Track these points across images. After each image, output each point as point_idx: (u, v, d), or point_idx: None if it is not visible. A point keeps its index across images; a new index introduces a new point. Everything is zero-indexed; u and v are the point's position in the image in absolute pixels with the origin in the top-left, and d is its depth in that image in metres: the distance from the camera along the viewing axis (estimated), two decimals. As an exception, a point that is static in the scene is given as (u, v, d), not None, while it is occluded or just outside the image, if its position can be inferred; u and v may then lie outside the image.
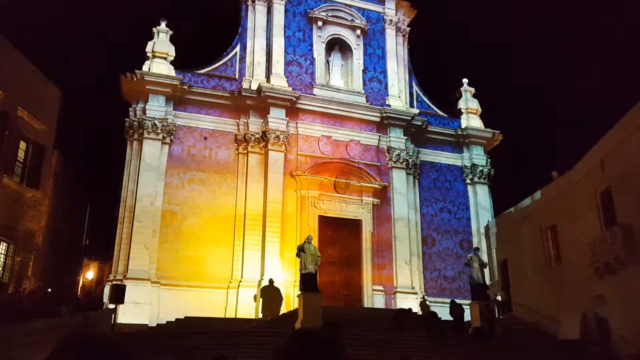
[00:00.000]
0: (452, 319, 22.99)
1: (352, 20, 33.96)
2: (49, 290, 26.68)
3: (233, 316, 25.76)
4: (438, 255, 31.60)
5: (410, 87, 35.57)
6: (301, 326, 18.51)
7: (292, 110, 30.53)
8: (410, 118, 32.54)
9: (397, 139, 32.19)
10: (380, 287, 29.28)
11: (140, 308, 24.09)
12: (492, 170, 34.66)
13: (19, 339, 15.49)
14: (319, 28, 33.14)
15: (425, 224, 32.29)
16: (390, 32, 34.85)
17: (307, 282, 20.24)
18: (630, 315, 19.89)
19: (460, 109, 36.00)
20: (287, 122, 30.17)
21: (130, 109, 29.35)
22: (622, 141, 21.22)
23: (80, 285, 41.84)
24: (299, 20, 33.13)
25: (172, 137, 28.99)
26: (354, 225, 30.30)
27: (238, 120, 30.40)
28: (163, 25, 30.97)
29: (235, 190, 29.19)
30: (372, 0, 35.04)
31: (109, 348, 1.96)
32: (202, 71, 31.26)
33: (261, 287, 25.43)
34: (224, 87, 30.69)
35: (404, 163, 31.97)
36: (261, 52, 31.90)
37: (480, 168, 34.26)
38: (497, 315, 23.35)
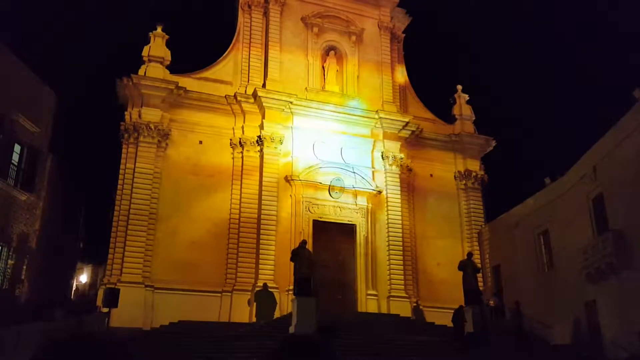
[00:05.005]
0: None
1: (348, 26, 34.17)
2: (43, 299, 26.61)
3: (227, 320, 25.75)
4: (432, 261, 31.69)
5: (405, 92, 35.78)
6: (295, 330, 18.50)
7: (287, 115, 30.64)
8: (404, 123, 32.68)
9: (391, 144, 32.31)
10: (374, 292, 29.32)
11: (134, 312, 24.01)
12: (486, 175, 34.83)
13: (12, 343, 15.46)
14: (315, 34, 33.33)
15: (419, 229, 32.40)
16: (385, 39, 35.07)
17: (302, 287, 20.26)
18: (622, 320, 20.05)
19: (454, 115, 36.17)
20: (282, 127, 30.26)
21: (125, 112, 29.32)
22: (614, 147, 21.43)
23: (74, 288, 41.71)
24: (295, 25, 33.29)
25: (167, 141, 29.02)
26: (349, 230, 30.34)
27: (233, 125, 30.48)
28: (159, 29, 31.00)
29: (230, 194, 29.23)
30: (368, 7, 35.26)
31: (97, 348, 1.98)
32: (198, 75, 31.34)
33: (255, 291, 25.44)
34: (220, 91, 30.74)
35: (398, 168, 32.09)
36: (257, 57, 32.02)
37: (474, 173, 34.42)
38: (490, 320, 23.42)
